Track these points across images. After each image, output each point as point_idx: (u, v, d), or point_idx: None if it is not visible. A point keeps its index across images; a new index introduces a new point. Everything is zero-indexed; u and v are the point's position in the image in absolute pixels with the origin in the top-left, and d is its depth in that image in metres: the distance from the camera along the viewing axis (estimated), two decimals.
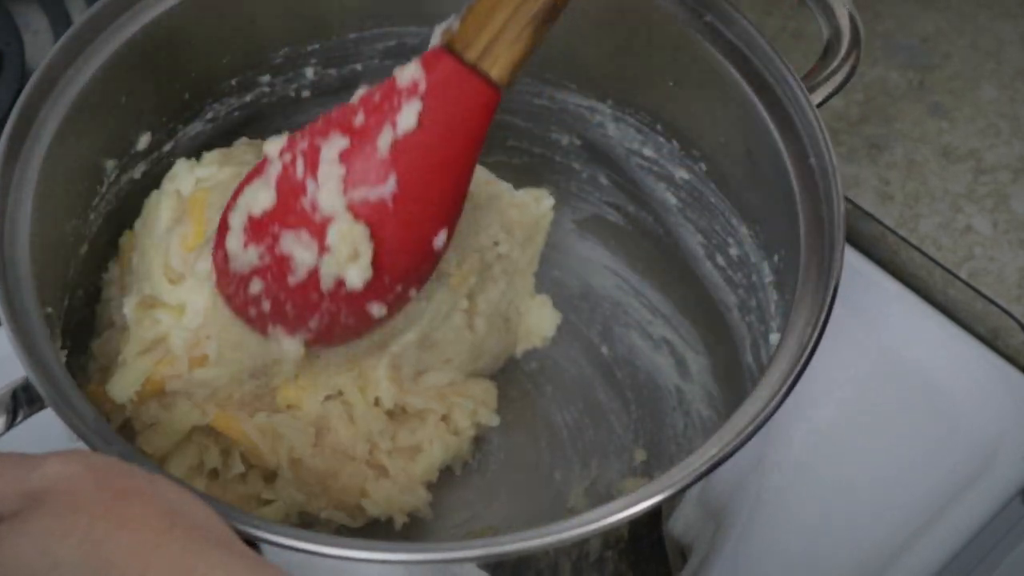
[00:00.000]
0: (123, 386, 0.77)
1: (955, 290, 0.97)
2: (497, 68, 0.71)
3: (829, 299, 0.71)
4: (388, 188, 0.72)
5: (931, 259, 0.97)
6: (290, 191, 0.74)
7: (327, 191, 0.73)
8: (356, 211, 0.73)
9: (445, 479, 0.88)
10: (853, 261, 0.95)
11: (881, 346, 0.93)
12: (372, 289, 0.75)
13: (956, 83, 1.05)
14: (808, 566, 0.86)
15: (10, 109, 0.97)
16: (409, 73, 0.72)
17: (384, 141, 0.72)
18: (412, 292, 0.78)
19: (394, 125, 0.72)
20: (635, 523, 0.68)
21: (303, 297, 0.75)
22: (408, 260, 0.75)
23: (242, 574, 0.57)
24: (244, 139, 0.86)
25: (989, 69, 1.06)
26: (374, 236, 0.73)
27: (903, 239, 0.98)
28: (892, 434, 0.91)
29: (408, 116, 0.72)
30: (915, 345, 0.94)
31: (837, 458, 0.90)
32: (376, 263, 0.74)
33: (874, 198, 1.00)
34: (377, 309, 0.76)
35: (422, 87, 0.72)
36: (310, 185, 0.73)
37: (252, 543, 0.63)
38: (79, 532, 0.56)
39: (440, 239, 0.75)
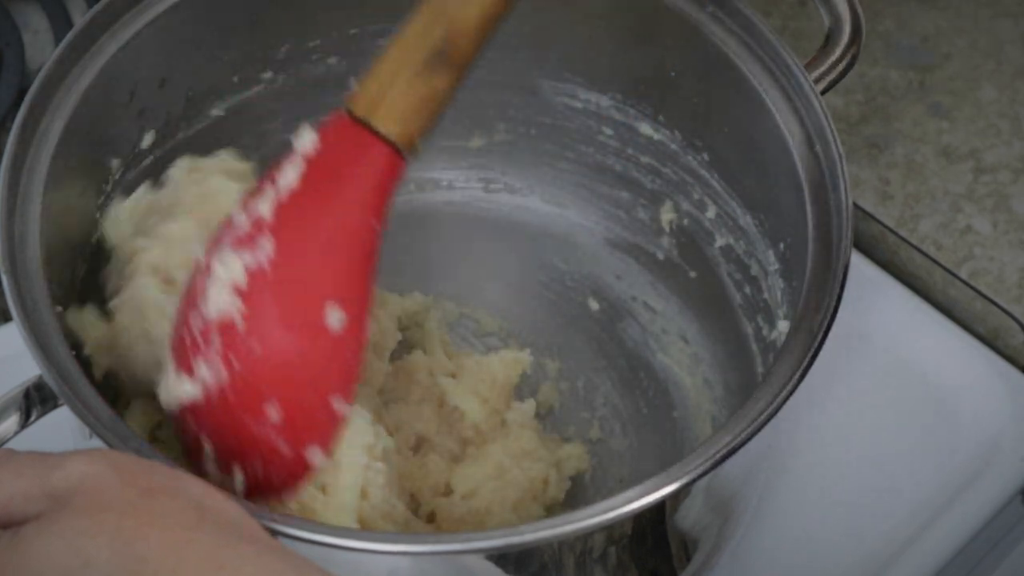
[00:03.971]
0: None
1: (955, 290, 0.97)
2: (387, 123, 0.67)
3: (838, 287, 0.70)
4: (264, 253, 0.68)
5: (931, 259, 0.98)
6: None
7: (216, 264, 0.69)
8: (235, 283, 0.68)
9: None
10: (853, 261, 0.93)
11: (881, 346, 0.94)
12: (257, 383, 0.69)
13: (956, 83, 1.06)
14: (809, 565, 0.86)
15: (10, 108, 1.00)
16: (304, 137, 0.69)
17: (265, 204, 0.68)
18: (325, 397, 0.71)
19: (275, 184, 0.68)
20: (639, 517, 0.68)
21: None
22: (290, 335, 0.69)
23: (273, 566, 0.57)
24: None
25: (989, 69, 1.06)
26: (247, 305, 0.68)
27: (903, 239, 0.99)
28: (892, 434, 0.91)
29: (289, 174, 0.68)
30: (915, 345, 0.94)
31: (837, 458, 0.90)
32: (258, 338, 0.68)
33: (874, 198, 1.00)
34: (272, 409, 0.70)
35: (310, 147, 0.68)
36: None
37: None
38: (108, 530, 0.56)
39: (333, 316, 0.69)
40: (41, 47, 1.04)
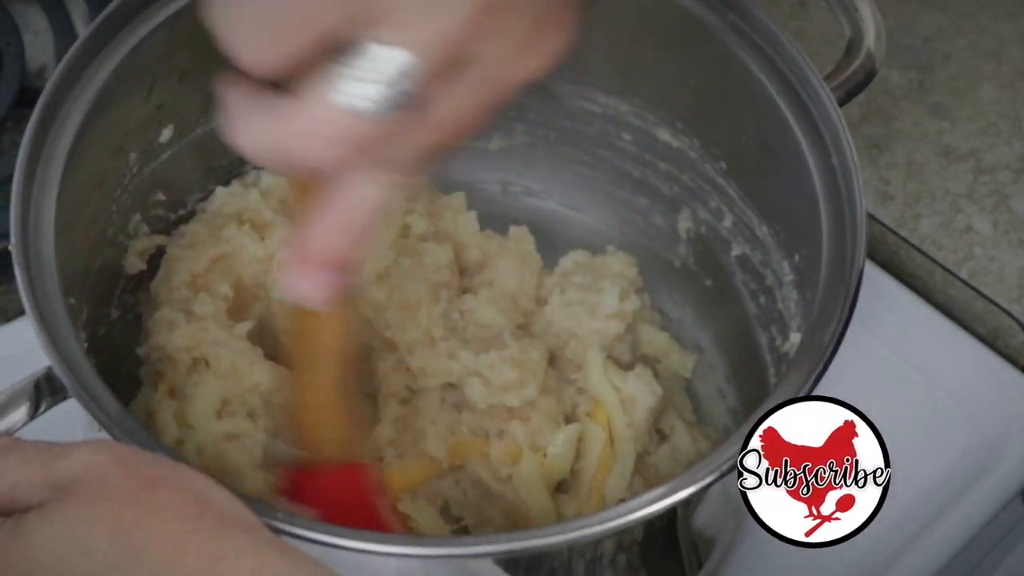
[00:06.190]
0: None
1: (955, 290, 0.97)
2: None
3: (851, 301, 0.70)
4: None
5: (931, 259, 0.98)
6: None
7: None
8: None
9: None
10: None
11: (881, 346, 0.94)
12: None
13: (956, 83, 1.06)
14: (811, 565, 0.85)
15: (10, 108, 0.99)
16: None
17: None
18: None
19: None
20: (650, 523, 0.68)
21: None
22: None
23: (272, 559, 0.57)
24: None
25: (989, 69, 1.06)
26: None
27: (903, 239, 0.99)
28: (892, 434, 0.90)
29: None
30: (915, 345, 0.94)
31: None
32: None
33: (874, 198, 1.00)
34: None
35: None
36: None
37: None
38: (109, 520, 0.56)
39: None
40: (41, 47, 1.04)
